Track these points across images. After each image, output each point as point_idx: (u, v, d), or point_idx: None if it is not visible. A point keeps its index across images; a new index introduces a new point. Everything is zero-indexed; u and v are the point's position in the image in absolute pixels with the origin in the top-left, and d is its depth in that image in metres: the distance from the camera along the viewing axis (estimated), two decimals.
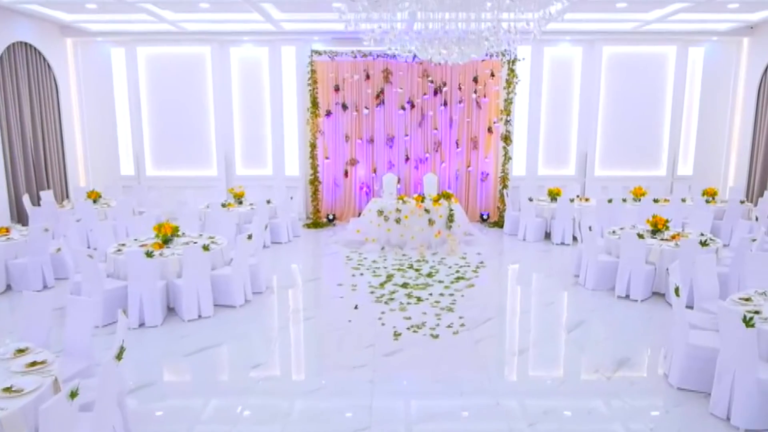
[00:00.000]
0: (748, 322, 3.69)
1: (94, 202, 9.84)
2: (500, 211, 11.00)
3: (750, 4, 8.72)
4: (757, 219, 8.38)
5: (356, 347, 5.30)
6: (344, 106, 11.09)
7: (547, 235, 9.81)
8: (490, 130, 11.11)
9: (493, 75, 10.87)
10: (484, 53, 6.25)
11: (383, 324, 5.83)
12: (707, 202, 9.63)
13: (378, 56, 10.82)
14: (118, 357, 3.25)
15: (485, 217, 11.25)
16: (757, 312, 4.25)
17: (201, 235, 7.22)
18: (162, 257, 6.11)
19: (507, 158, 10.90)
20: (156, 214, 9.48)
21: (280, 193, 11.00)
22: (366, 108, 11.08)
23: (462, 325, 5.81)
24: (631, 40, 10.89)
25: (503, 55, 10.67)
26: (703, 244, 6.44)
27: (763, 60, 10.27)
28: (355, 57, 10.82)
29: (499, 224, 10.84)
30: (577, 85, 11.19)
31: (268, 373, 4.82)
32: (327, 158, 11.30)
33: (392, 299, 6.60)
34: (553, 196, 9.87)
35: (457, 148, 11.20)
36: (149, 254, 5.84)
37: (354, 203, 11.40)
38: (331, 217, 11.23)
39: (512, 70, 10.62)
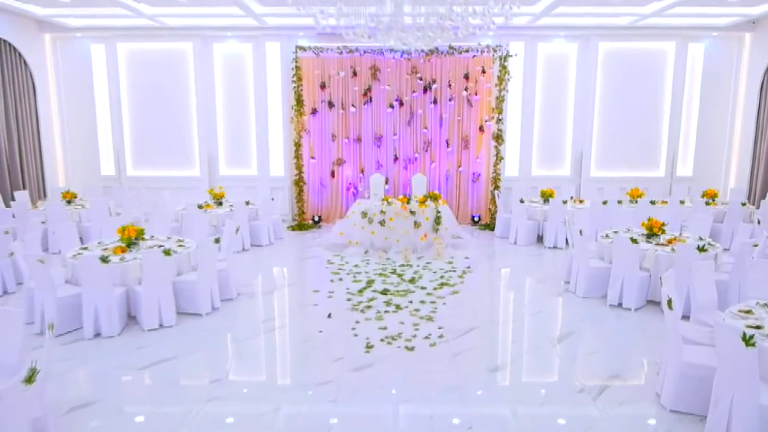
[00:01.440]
0: (747, 341, 3.28)
1: (69, 203, 9.46)
2: (491, 214, 10.60)
3: None
4: (759, 222, 7.97)
5: (323, 361, 4.90)
6: (330, 104, 10.69)
7: (540, 239, 9.39)
8: (481, 129, 10.71)
9: (484, 72, 10.46)
10: (450, 40, 5.85)
11: (356, 335, 5.42)
12: (707, 204, 9.21)
13: (365, 52, 10.42)
14: (29, 380, 2.86)
15: (476, 219, 10.84)
16: (758, 327, 3.83)
17: (169, 238, 6.82)
18: (122, 262, 5.72)
19: (499, 158, 10.49)
20: (134, 216, 9.14)
21: (264, 194, 10.62)
22: (353, 106, 10.68)
23: (441, 336, 5.40)
24: (628, 36, 10.47)
25: (494, 50, 10.27)
26: (701, 249, 6.03)
27: (765, 56, 9.85)
28: (341, 53, 10.42)
29: (490, 227, 10.43)
30: (573, 83, 10.78)
31: (223, 390, 4.41)
32: (313, 158, 10.90)
33: (369, 307, 6.19)
34: (546, 197, 9.45)
35: (448, 147, 10.80)
36: (104, 259, 5.45)
37: (341, 204, 11.00)
38: (317, 218, 10.84)
39: (504, 67, 10.22)
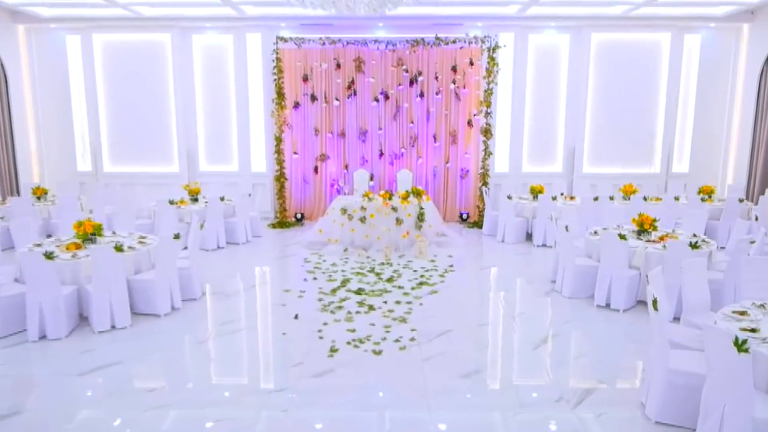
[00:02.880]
0: (740, 346, 2.89)
1: (39, 198, 9.09)
2: (480, 211, 10.21)
3: None
4: (756, 218, 7.56)
5: (282, 366, 4.52)
6: (313, 98, 10.30)
7: (529, 236, 9.00)
8: (470, 123, 10.31)
9: (472, 64, 10.07)
10: (400, 4, 5.45)
11: (321, 337, 5.04)
12: (703, 200, 8.82)
13: (348, 43, 10.03)
14: None
15: (464, 216, 10.45)
16: (753, 330, 3.45)
17: (131, 234, 6.44)
18: (72, 259, 5.34)
19: (488, 153, 10.10)
20: (107, 213, 8.76)
21: (245, 190, 10.24)
22: (336, 99, 10.29)
23: (412, 339, 5.01)
24: (621, 27, 10.08)
25: (483, 41, 9.89)
26: (694, 246, 5.64)
27: (764, 48, 9.46)
28: (324, 44, 10.03)
29: (479, 224, 10.03)
30: (564, 75, 10.37)
31: (164, 399, 4.01)
32: (295, 153, 10.51)
33: (340, 308, 5.81)
34: (535, 193, 9.06)
35: (435, 142, 10.41)
36: (48, 255, 5.06)
37: (324, 201, 10.60)
38: (299, 216, 10.45)
39: (492, 59, 9.83)
